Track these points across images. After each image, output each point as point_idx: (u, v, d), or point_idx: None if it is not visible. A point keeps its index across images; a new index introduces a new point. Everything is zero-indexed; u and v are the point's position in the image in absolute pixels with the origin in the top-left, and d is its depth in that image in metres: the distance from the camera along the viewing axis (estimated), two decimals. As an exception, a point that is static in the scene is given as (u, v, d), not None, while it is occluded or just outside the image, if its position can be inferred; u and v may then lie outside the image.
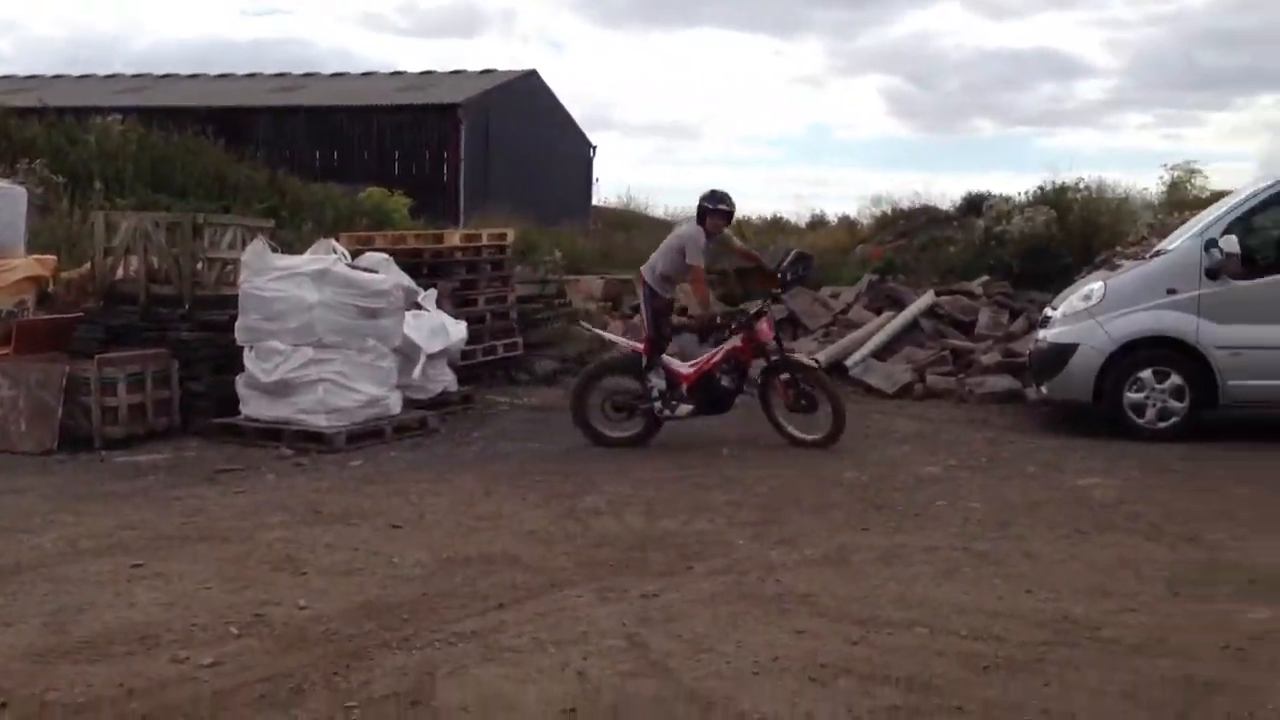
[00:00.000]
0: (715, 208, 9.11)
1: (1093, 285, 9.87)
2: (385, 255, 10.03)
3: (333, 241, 9.78)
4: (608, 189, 40.74)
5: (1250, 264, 9.30)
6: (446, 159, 32.48)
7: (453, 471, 8.30)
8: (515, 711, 4.11)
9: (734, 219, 9.52)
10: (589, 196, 38.68)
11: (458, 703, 4.17)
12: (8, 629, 4.89)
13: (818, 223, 25.94)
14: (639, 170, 74.38)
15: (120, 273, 10.05)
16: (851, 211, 23.84)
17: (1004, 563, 6.03)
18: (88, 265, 10.44)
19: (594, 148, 42.25)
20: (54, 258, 10.44)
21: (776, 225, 25.19)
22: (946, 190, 44.83)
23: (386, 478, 8.08)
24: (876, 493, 7.62)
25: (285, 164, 25.24)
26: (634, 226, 25.51)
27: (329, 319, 9.09)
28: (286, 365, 9.10)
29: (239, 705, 4.13)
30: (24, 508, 7.21)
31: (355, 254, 10.29)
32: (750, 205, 43.13)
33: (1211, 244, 9.13)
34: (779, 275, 9.45)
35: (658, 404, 9.17)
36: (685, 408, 9.23)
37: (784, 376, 9.12)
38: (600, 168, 46.14)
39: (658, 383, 9.14)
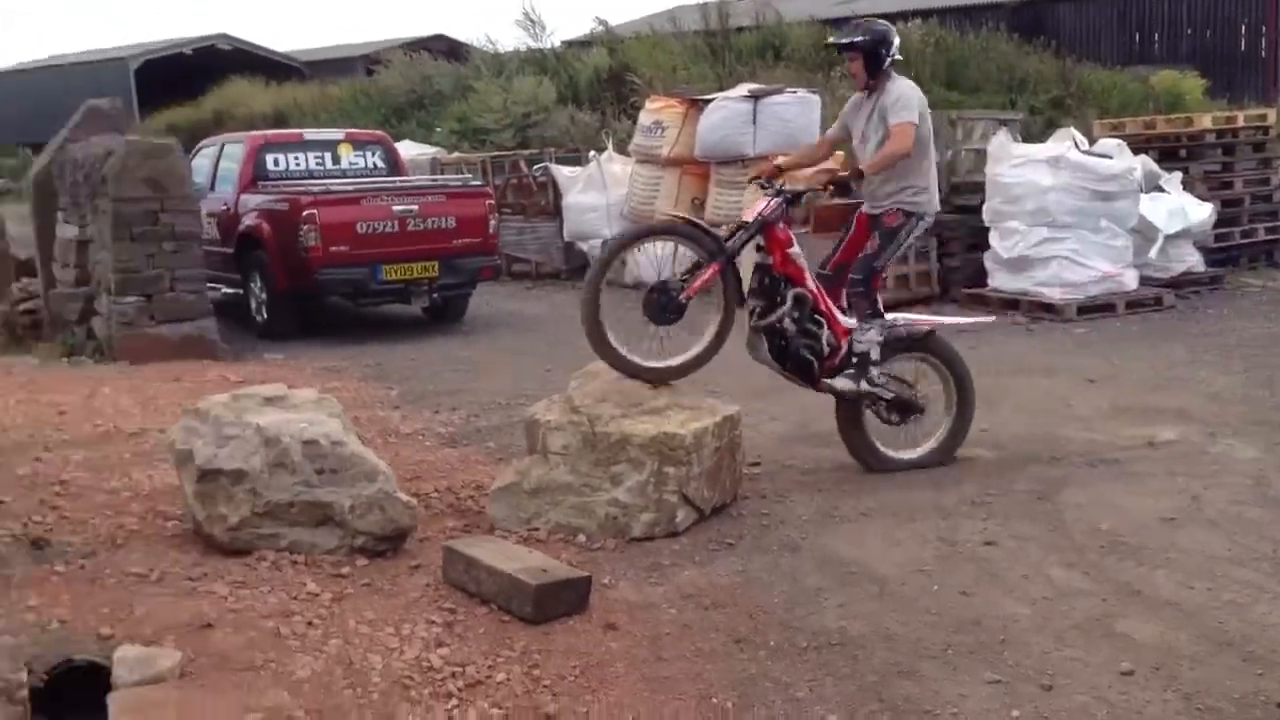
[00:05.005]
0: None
1: None
2: (1119, 141, 10.62)
3: (1071, 129, 10.62)
4: None
5: None
6: (1265, 33, 30.12)
7: (1167, 342, 8.93)
8: (1119, 513, 5.07)
9: (874, 56, 5.72)
10: None
11: (1074, 501, 5.24)
12: (774, 422, 6.85)
13: None
14: None
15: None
16: None
17: None
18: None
19: None
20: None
21: None
22: None
23: (1101, 344, 8.97)
24: None
25: (1084, 53, 25.52)
26: None
27: (1062, 201, 10.05)
28: (1024, 243, 10.26)
29: (911, 482, 5.60)
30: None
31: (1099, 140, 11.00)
32: None
33: None
34: None
35: None
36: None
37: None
38: None
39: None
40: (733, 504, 5.29)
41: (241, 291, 10.87)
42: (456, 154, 18.19)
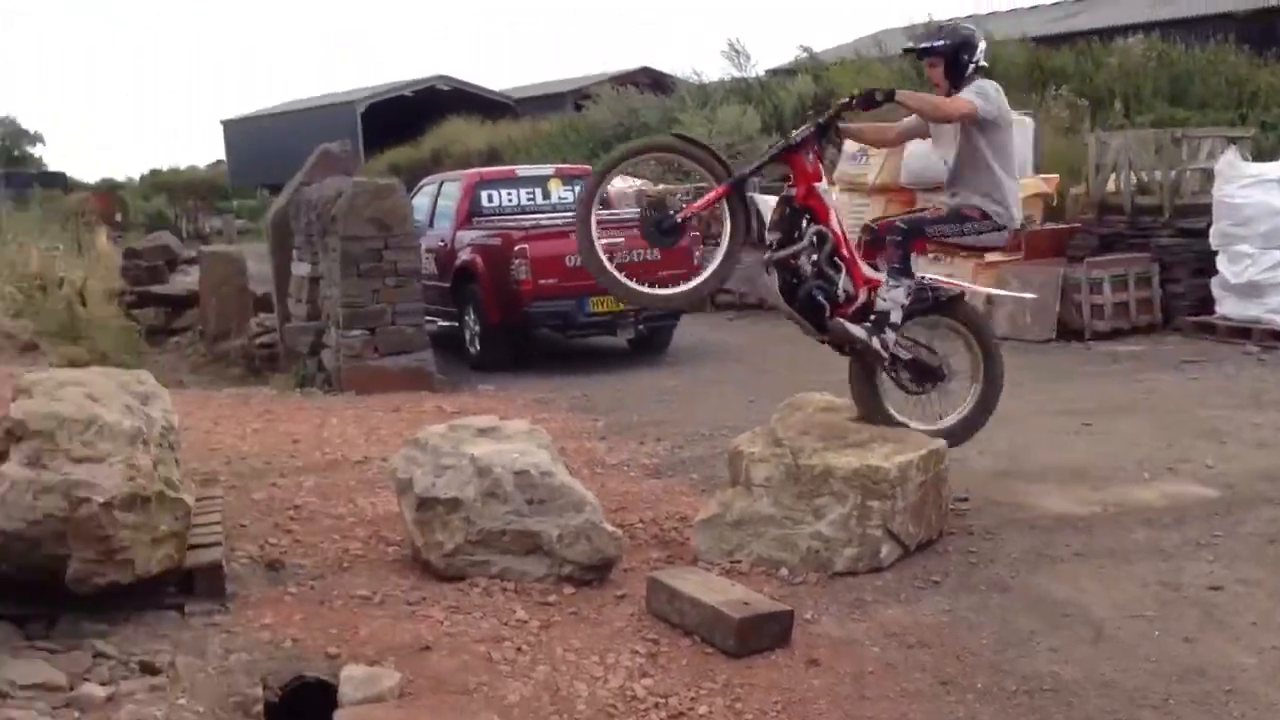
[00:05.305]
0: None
1: None
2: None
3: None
4: None
5: None
6: None
7: None
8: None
9: (955, 62, 5.33)
10: None
11: (1312, 544, 4.93)
12: (982, 456, 6.68)
13: None
14: None
15: (1111, 186, 11.43)
16: None
17: None
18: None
19: None
20: (1056, 176, 12.16)
21: None
22: None
23: (1344, 374, 8.40)
24: None
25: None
26: None
27: (1299, 223, 9.48)
28: (1255, 268, 9.73)
29: (1129, 522, 5.37)
30: (1013, 380, 9.01)
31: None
32: None
33: None
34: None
35: None
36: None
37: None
38: None
39: None
40: (939, 540, 5.18)
41: (457, 324, 11.34)
42: (662, 185, 18.48)
